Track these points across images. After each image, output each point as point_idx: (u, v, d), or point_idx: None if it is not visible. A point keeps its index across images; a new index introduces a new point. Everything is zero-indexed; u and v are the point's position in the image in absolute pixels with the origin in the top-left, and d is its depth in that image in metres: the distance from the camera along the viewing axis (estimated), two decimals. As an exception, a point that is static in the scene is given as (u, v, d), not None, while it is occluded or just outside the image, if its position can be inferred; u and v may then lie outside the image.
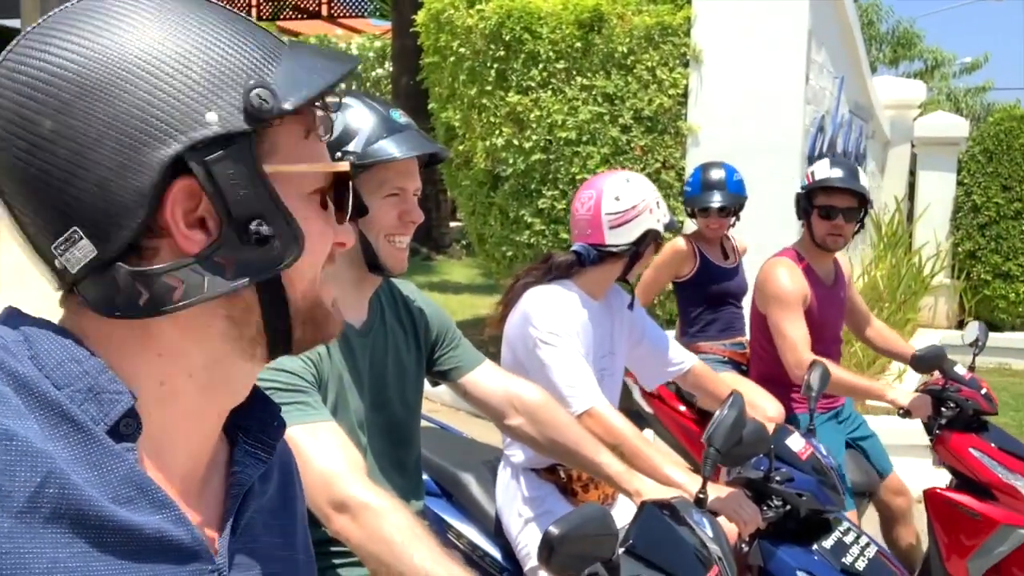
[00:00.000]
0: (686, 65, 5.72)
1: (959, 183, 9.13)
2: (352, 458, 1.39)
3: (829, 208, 2.98)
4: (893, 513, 3.19)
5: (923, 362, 2.94)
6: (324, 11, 18.47)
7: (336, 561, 1.58)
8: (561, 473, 2.28)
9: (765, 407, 2.97)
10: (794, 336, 2.92)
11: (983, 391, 2.90)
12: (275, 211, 0.66)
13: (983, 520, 2.81)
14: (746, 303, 3.65)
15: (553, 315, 2.16)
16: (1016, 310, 8.74)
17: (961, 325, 4.14)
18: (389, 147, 1.50)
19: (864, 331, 3.39)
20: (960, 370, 2.93)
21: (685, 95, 5.72)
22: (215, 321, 0.68)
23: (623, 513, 2.13)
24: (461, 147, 6.31)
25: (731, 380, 3.20)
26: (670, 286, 4.01)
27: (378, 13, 19.24)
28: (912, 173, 9.94)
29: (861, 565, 2.09)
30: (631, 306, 2.41)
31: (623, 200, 2.22)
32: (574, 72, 5.82)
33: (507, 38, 5.88)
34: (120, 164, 0.62)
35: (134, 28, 0.64)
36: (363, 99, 1.55)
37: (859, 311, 3.37)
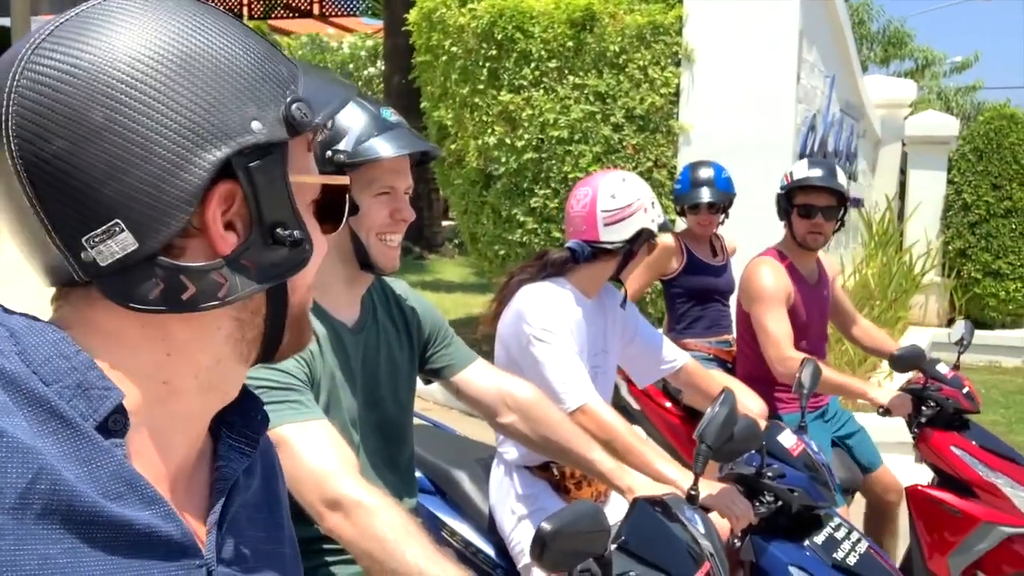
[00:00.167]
0: (678, 64, 5.73)
1: (949, 182, 9.17)
2: (345, 456, 1.40)
3: (808, 207, 3.02)
4: (881, 508, 3.22)
5: (901, 362, 2.96)
6: (316, 10, 18.44)
7: (328, 559, 1.58)
8: (554, 470, 2.28)
9: (749, 405, 2.99)
10: (777, 333, 2.95)
11: (965, 390, 2.92)
12: (293, 219, 0.69)
13: (964, 517, 2.83)
14: (733, 300, 3.69)
15: (547, 312, 2.17)
16: (1006, 308, 8.77)
17: (952, 323, 4.17)
18: (380, 145, 1.51)
19: (851, 330, 3.41)
20: (943, 368, 2.95)
21: (677, 94, 5.73)
22: (224, 322, 0.69)
23: (616, 510, 2.14)
24: (453, 146, 6.31)
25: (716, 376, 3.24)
26: (659, 284, 4.03)
27: (370, 12, 19.22)
28: (903, 172, 9.98)
29: (852, 560, 2.10)
30: (623, 304, 2.43)
31: (618, 198, 2.23)
32: (566, 71, 5.82)
33: (499, 37, 5.88)
34: (175, 162, 0.63)
35: (195, 30, 0.65)
36: (354, 98, 1.56)
37: (845, 310, 3.40)
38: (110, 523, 0.61)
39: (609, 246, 2.25)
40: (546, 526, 1.18)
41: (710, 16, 5.66)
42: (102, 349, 0.65)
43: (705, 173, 3.83)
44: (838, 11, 7.03)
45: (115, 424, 0.63)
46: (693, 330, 3.83)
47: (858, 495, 3.26)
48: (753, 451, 2.00)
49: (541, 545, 1.17)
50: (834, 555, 2.10)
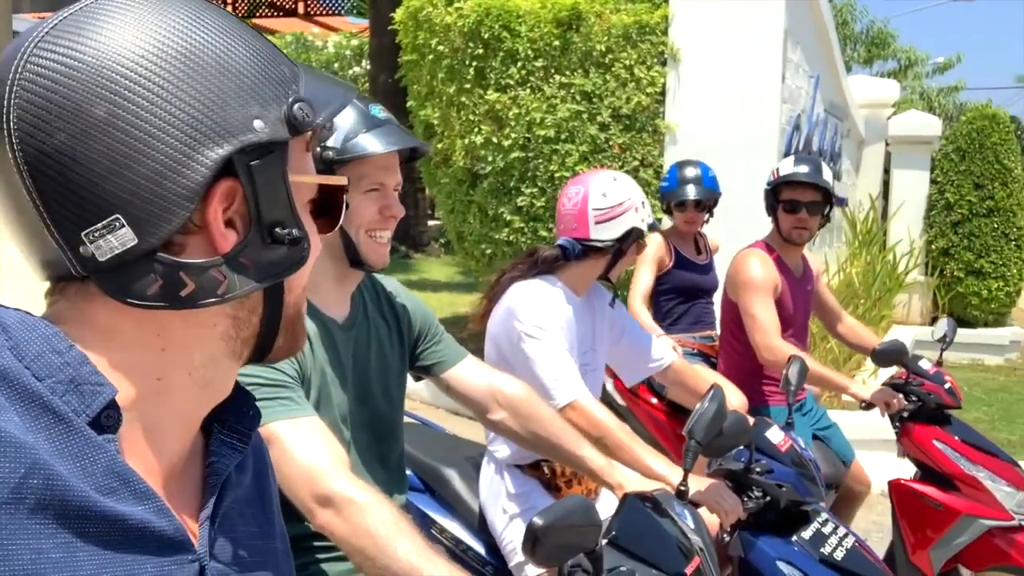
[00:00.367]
0: (664, 64, 5.74)
1: (932, 181, 9.24)
2: (335, 452, 1.39)
3: (794, 203, 3.08)
4: (852, 499, 3.27)
5: (883, 356, 3.00)
6: (300, 9, 18.38)
7: (319, 556, 1.58)
8: (545, 469, 2.29)
9: (729, 397, 3.02)
10: (764, 319, 3.01)
11: (947, 385, 2.96)
12: (292, 218, 0.69)
13: (946, 510, 2.87)
14: (716, 298, 3.74)
15: (538, 309, 2.17)
16: (988, 306, 8.85)
17: (935, 321, 4.19)
18: (369, 142, 1.51)
19: (835, 327, 3.46)
20: (925, 364, 3.00)
21: (663, 93, 5.74)
22: (221, 320, 0.69)
23: (605, 507, 2.14)
24: (440, 145, 6.30)
25: (699, 370, 3.28)
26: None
27: (355, 11, 19.18)
28: (886, 171, 10.04)
29: (839, 555, 2.12)
30: (612, 303, 2.44)
31: (610, 197, 2.25)
32: (552, 70, 5.83)
33: (486, 36, 5.88)
34: (177, 158, 0.63)
35: (199, 27, 0.65)
36: (354, 99, 1.56)
37: (830, 307, 3.44)
38: (103, 518, 0.61)
39: (599, 244, 2.26)
40: (538, 521, 1.18)
41: (696, 16, 5.68)
42: (96, 345, 0.65)
43: (692, 172, 3.91)
44: (822, 11, 7.06)
45: (108, 419, 0.63)
46: (678, 326, 3.88)
47: None
48: (741, 447, 2.02)
49: (533, 540, 1.18)
50: (821, 550, 2.12)
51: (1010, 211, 8.75)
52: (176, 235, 0.64)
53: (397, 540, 1.26)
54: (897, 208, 9.28)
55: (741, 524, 2.07)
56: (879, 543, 3.30)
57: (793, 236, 3.12)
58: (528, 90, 5.84)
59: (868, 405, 2.96)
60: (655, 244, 3.85)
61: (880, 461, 4.14)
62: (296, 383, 1.47)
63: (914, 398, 2.94)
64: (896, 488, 3.03)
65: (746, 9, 5.62)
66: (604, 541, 1.42)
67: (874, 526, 4.16)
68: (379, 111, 1.56)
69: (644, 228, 2.28)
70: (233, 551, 0.73)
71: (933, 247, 9.06)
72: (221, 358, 0.71)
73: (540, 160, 5.81)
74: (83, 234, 0.62)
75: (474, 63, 5.97)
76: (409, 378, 1.82)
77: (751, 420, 2.14)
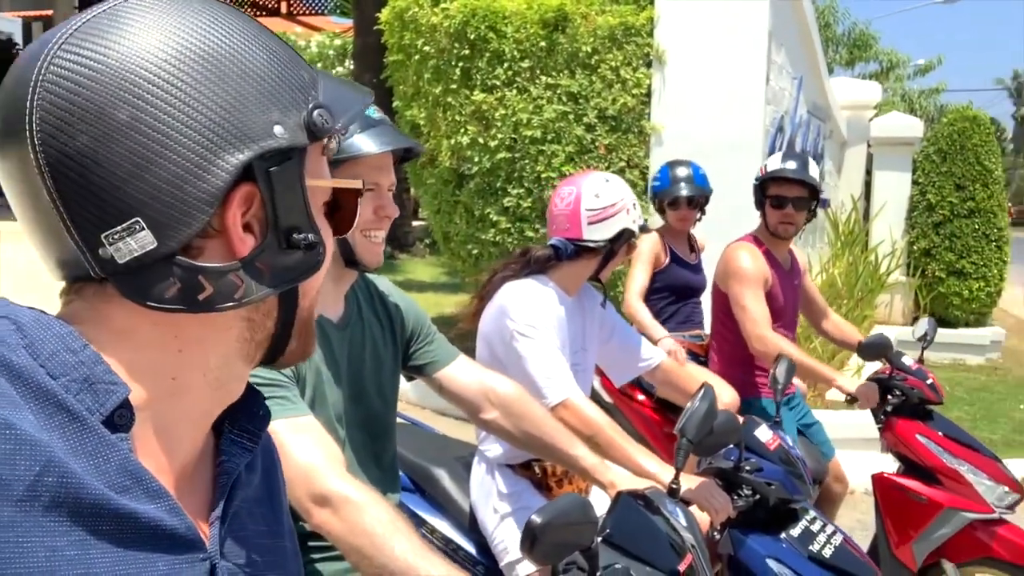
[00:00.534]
0: (649, 65, 5.76)
1: (914, 182, 9.32)
2: (331, 452, 1.40)
3: (780, 198, 3.16)
4: (831, 499, 3.32)
5: (869, 350, 3.07)
6: (283, 8, 18.33)
7: (315, 556, 1.58)
8: (536, 468, 2.30)
9: (720, 393, 3.05)
10: (755, 311, 3.07)
11: (929, 381, 3.01)
12: (308, 223, 0.69)
13: (928, 503, 2.92)
14: (703, 298, 3.78)
15: (530, 308, 2.19)
16: (969, 307, 8.92)
17: (916, 322, 4.21)
18: (363, 142, 1.52)
19: (821, 323, 3.51)
20: (907, 360, 3.05)
21: (648, 95, 5.76)
22: (236, 323, 0.70)
23: (596, 506, 2.15)
24: (426, 145, 6.30)
25: (689, 368, 3.31)
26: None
27: (338, 11, 19.14)
28: (868, 172, 10.13)
29: (828, 552, 2.14)
30: (604, 304, 2.46)
31: (602, 197, 2.27)
32: (539, 71, 5.84)
33: (472, 37, 5.88)
34: (198, 163, 0.63)
35: (222, 33, 0.65)
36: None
37: (816, 304, 3.50)
38: (116, 515, 0.61)
39: (592, 244, 2.27)
40: (536, 519, 1.19)
41: (681, 18, 5.71)
42: (111, 345, 0.65)
43: (683, 170, 3.98)
44: (806, 13, 7.11)
45: (121, 418, 0.63)
46: (668, 325, 3.91)
47: None
48: (731, 446, 2.03)
49: (532, 538, 1.19)
50: (810, 547, 2.14)
51: (991, 212, 8.83)
52: (195, 239, 0.65)
53: (394, 539, 1.27)
54: (879, 209, 9.36)
55: (731, 522, 2.08)
56: (862, 541, 3.33)
57: (779, 231, 3.19)
58: (514, 91, 5.85)
59: (853, 399, 3.02)
60: (650, 242, 3.88)
61: (863, 460, 4.19)
62: (292, 382, 1.47)
63: (898, 392, 2.99)
64: (879, 482, 3.07)
65: (731, 11, 5.65)
66: (599, 539, 1.44)
67: (858, 524, 4.19)
68: (374, 112, 1.56)
69: (635, 229, 2.30)
70: (243, 550, 0.74)
71: (915, 248, 9.13)
72: (235, 360, 0.71)
73: (526, 161, 5.82)
74: (103, 236, 0.63)
75: (460, 64, 5.97)
76: None
77: (740, 419, 2.16)
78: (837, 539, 2.20)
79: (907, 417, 3.00)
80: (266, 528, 0.80)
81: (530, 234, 5.82)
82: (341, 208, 0.76)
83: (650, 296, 3.95)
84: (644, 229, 2.35)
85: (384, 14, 6.58)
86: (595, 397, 3.71)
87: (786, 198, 3.14)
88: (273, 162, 0.66)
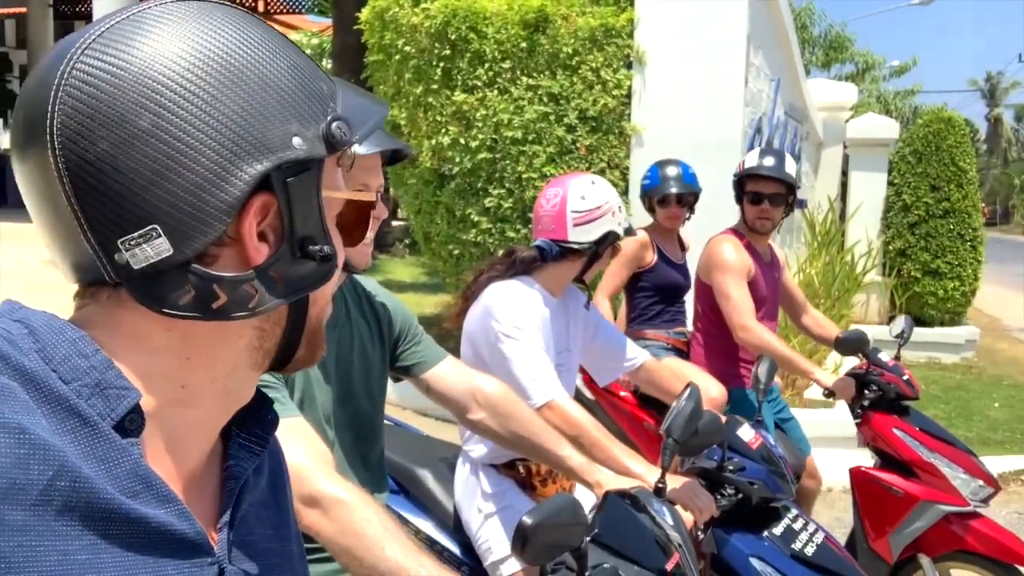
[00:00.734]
0: (629, 66, 5.79)
1: (890, 183, 9.42)
2: (320, 453, 1.40)
3: (758, 194, 3.24)
4: (805, 495, 3.37)
5: (846, 344, 3.16)
6: (260, 7, 18.20)
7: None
8: (520, 468, 2.31)
9: (708, 388, 3.10)
10: (739, 300, 3.14)
11: (905, 377, 3.07)
12: (323, 234, 0.70)
13: (905, 496, 2.97)
14: (687, 297, 3.82)
15: (516, 310, 2.19)
16: (945, 306, 9.03)
17: (892, 321, 4.26)
18: None
19: (801, 318, 3.57)
20: (884, 356, 3.11)
21: (629, 96, 5.79)
22: (247, 332, 0.70)
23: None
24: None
25: (674, 364, 3.36)
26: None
27: (316, 9, 19.05)
28: (844, 173, 10.22)
29: (810, 551, 2.16)
30: (587, 306, 2.47)
31: (588, 200, 2.28)
32: (520, 72, 5.84)
33: (453, 37, 5.88)
34: (217, 172, 0.63)
35: (244, 42, 0.66)
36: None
37: (796, 299, 3.56)
38: (127, 520, 0.61)
39: (577, 246, 2.29)
40: (527, 520, 1.20)
41: (661, 19, 5.73)
42: (123, 350, 0.65)
43: (673, 169, 4.02)
44: (783, 16, 7.16)
45: (131, 424, 0.63)
46: (652, 323, 3.93)
47: None
48: (715, 445, 2.06)
49: (523, 539, 1.20)
50: (792, 546, 2.16)
51: (965, 212, 8.95)
52: (210, 246, 0.65)
53: (384, 540, 1.27)
54: (855, 209, 9.45)
55: (714, 521, 2.10)
56: (841, 539, 3.37)
57: (757, 226, 3.28)
58: (495, 91, 5.85)
59: (830, 393, 3.08)
60: (632, 244, 3.89)
61: (842, 458, 4.23)
62: (280, 383, 1.47)
63: (874, 388, 3.04)
64: (856, 476, 3.12)
65: (710, 13, 5.68)
66: (587, 539, 1.45)
67: (836, 522, 4.24)
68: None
69: (620, 232, 2.32)
70: (251, 554, 0.74)
71: (890, 248, 9.23)
72: (244, 367, 0.71)
73: (507, 161, 5.83)
74: (119, 242, 0.63)
75: (441, 64, 5.96)
76: None
77: (724, 418, 2.18)
78: (819, 537, 2.23)
79: (883, 412, 3.05)
80: (273, 531, 0.80)
81: (511, 234, 5.83)
82: (353, 219, 0.77)
83: (636, 295, 3.97)
84: (629, 231, 2.37)
85: (364, 14, 6.56)
86: (577, 394, 3.73)
87: (763, 194, 3.23)
88: (291, 173, 0.66)
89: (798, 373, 3.35)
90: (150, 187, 0.62)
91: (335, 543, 1.31)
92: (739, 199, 3.34)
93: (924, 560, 2.97)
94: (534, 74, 5.81)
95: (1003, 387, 7.86)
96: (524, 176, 5.76)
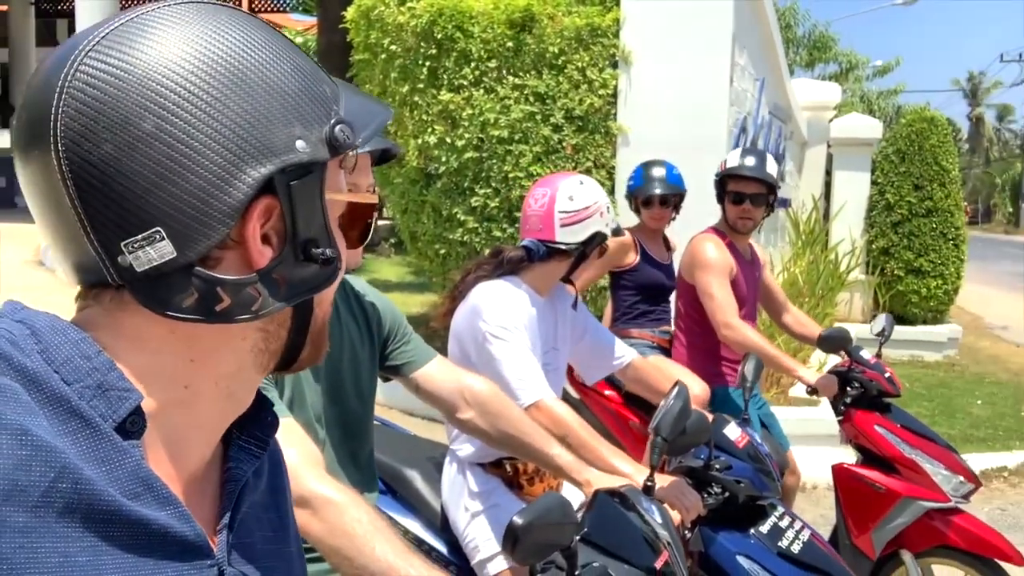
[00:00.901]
0: (615, 66, 5.80)
1: (873, 182, 9.48)
2: (310, 453, 1.40)
3: (739, 194, 3.27)
4: (784, 490, 3.40)
5: (829, 342, 3.20)
6: (244, 5, 18.14)
7: (293, 557, 1.58)
8: (507, 467, 2.31)
9: (691, 386, 3.11)
10: (722, 299, 3.17)
11: (887, 374, 3.10)
12: (326, 236, 0.70)
13: (887, 493, 3.01)
14: (673, 296, 3.83)
15: (503, 310, 2.20)
16: (927, 304, 9.10)
17: (873, 319, 4.30)
18: None
19: (782, 316, 3.60)
20: (866, 354, 3.15)
21: (615, 95, 5.80)
22: (251, 333, 0.70)
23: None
24: (392, 145, 6.26)
25: (659, 362, 3.38)
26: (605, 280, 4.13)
27: (301, 8, 18.99)
28: (828, 173, 10.29)
29: (796, 548, 2.18)
30: (575, 305, 2.48)
31: (576, 200, 2.28)
32: (506, 71, 5.85)
33: (439, 36, 5.88)
34: (220, 175, 0.63)
35: (248, 45, 0.66)
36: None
37: (777, 297, 3.60)
38: (128, 522, 0.61)
39: (564, 247, 2.29)
40: (518, 520, 1.20)
41: (646, 19, 5.75)
42: (126, 352, 0.65)
43: (658, 170, 4.03)
44: (767, 16, 7.20)
45: (133, 425, 0.63)
46: (637, 322, 3.95)
47: None
48: (702, 444, 2.07)
49: (514, 538, 1.20)
50: (779, 543, 2.18)
51: (948, 211, 9.02)
52: (213, 249, 0.65)
53: (375, 540, 1.28)
54: (839, 209, 9.51)
55: (701, 519, 2.12)
56: (825, 536, 3.40)
57: (738, 225, 3.31)
58: (482, 91, 5.85)
59: (813, 390, 3.11)
60: (612, 242, 3.91)
61: (827, 456, 4.26)
62: (271, 384, 1.47)
63: (856, 385, 3.07)
64: (839, 473, 3.15)
65: (696, 13, 5.70)
66: (576, 537, 1.45)
67: (822, 519, 4.26)
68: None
69: (608, 232, 2.32)
70: (250, 555, 0.74)
71: (874, 246, 9.29)
72: (248, 370, 0.71)
73: (494, 160, 5.83)
74: (122, 244, 0.63)
75: (427, 63, 5.96)
76: None
77: (710, 417, 2.19)
78: (805, 535, 2.25)
79: (866, 409, 3.08)
80: (272, 533, 0.80)
81: (498, 234, 5.83)
82: (355, 221, 0.77)
83: (619, 293, 3.99)
84: (617, 232, 2.38)
85: (350, 12, 6.55)
86: (563, 392, 3.74)
87: (744, 194, 3.26)
88: (294, 176, 0.66)
89: (782, 371, 3.38)
90: (154, 190, 0.62)
91: (325, 543, 1.31)
92: (720, 199, 3.36)
93: (906, 556, 3.00)
94: (520, 73, 5.81)
95: (985, 385, 7.93)
96: (510, 175, 5.77)
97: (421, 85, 5.99)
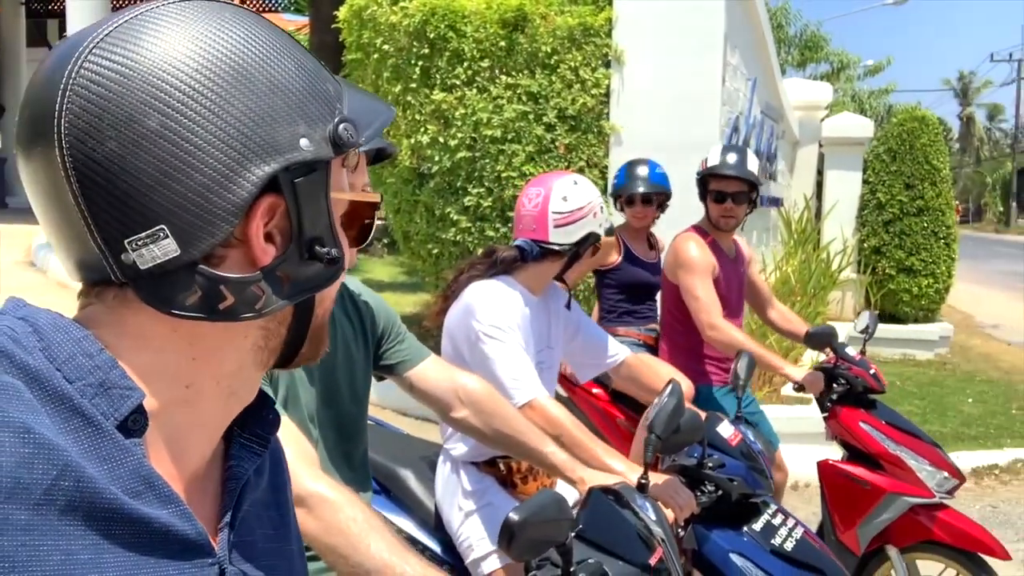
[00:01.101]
0: (608, 65, 5.81)
1: (864, 181, 9.51)
2: (304, 452, 1.41)
3: (721, 193, 3.27)
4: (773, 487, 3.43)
5: (815, 339, 3.22)
6: (235, 3, 18.05)
7: (288, 556, 1.59)
8: (501, 466, 2.32)
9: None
10: (706, 299, 3.18)
11: (872, 371, 3.12)
12: (330, 235, 0.70)
13: (872, 489, 3.03)
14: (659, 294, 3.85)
15: (496, 309, 2.20)
16: (918, 303, 9.13)
17: (857, 317, 4.31)
18: None
19: (767, 312, 3.61)
20: (851, 351, 3.16)
21: (607, 95, 5.81)
22: (252, 331, 0.70)
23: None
24: (385, 144, 6.26)
25: (647, 360, 3.37)
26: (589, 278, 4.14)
27: (292, 7, 18.93)
28: (820, 172, 10.32)
29: (789, 545, 2.19)
30: (568, 304, 2.48)
31: (570, 201, 2.29)
32: (499, 71, 5.85)
33: (431, 36, 5.88)
34: (225, 173, 0.63)
35: (252, 43, 0.66)
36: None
37: (761, 293, 3.61)
38: (130, 520, 0.61)
39: (557, 247, 2.30)
40: (514, 516, 1.21)
41: (639, 19, 5.76)
42: (128, 350, 0.65)
43: (641, 169, 4.04)
44: (759, 15, 7.22)
45: (135, 423, 0.64)
46: (623, 320, 3.97)
47: None
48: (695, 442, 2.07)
49: (509, 535, 1.21)
50: (772, 541, 2.19)
51: (939, 210, 9.05)
52: (217, 247, 0.65)
53: (369, 537, 1.28)
54: (831, 208, 9.54)
55: (694, 517, 2.12)
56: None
57: (720, 223, 3.32)
58: (474, 90, 5.85)
59: (800, 387, 3.13)
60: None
61: (817, 453, 4.27)
62: (265, 382, 1.47)
63: (842, 381, 3.09)
64: (824, 469, 3.17)
65: (688, 12, 5.72)
66: (572, 534, 1.46)
67: (814, 517, 4.26)
68: (345, 113, 1.57)
69: (601, 232, 2.33)
70: (251, 554, 0.74)
71: (865, 245, 9.32)
72: (249, 368, 0.71)
73: (487, 160, 5.84)
74: (126, 242, 0.63)
75: (420, 63, 5.96)
76: None
77: (703, 415, 2.20)
78: (798, 532, 2.26)
79: (851, 405, 3.11)
80: (273, 531, 0.80)
81: (491, 233, 5.84)
82: (358, 219, 0.77)
83: (604, 292, 4.01)
84: (610, 231, 2.39)
85: (342, 12, 6.54)
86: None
87: (725, 193, 3.26)
88: (298, 174, 0.66)
89: (768, 368, 3.39)
90: (158, 187, 0.62)
91: (320, 541, 1.31)
92: (703, 197, 3.36)
93: (892, 551, 3.02)
94: (513, 73, 5.82)
95: (976, 383, 7.96)
96: (503, 175, 5.77)
97: (414, 85, 5.99)
